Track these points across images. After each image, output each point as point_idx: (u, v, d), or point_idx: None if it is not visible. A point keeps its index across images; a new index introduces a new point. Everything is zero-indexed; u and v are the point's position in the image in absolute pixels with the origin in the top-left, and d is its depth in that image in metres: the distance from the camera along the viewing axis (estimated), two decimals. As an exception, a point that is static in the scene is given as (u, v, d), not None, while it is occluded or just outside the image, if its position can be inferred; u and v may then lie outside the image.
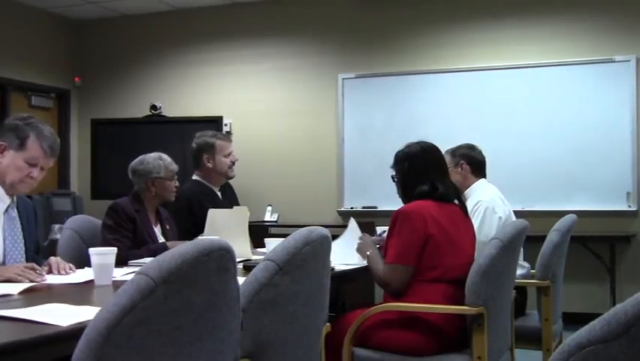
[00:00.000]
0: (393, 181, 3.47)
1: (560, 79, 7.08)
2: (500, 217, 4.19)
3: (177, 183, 4.19)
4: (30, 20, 8.45)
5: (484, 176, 4.48)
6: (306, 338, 2.45)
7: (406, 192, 3.39)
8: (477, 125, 7.14)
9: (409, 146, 3.44)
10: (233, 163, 4.83)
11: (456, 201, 3.42)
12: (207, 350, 1.76)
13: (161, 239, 4.06)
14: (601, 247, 6.75)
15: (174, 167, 4.16)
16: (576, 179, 6.93)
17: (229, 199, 4.83)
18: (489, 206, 4.20)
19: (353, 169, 7.72)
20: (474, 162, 4.43)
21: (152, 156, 4.14)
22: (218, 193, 4.80)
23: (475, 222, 4.08)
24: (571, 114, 7.00)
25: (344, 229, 3.79)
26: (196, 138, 4.88)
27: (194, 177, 4.81)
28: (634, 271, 6.81)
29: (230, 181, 5.16)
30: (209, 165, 4.75)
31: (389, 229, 3.27)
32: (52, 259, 3.16)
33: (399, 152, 3.45)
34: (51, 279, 2.93)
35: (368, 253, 3.44)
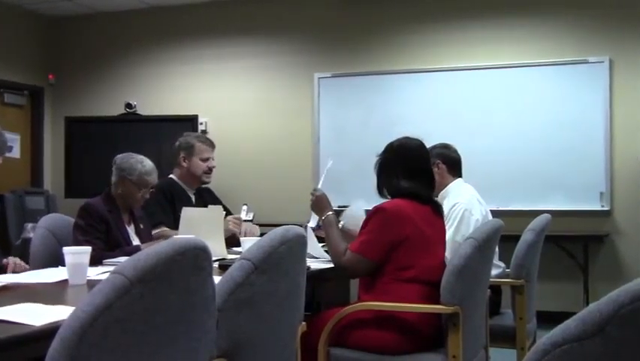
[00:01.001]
0: (376, 167, 3.45)
1: (535, 79, 7.14)
2: (477, 219, 4.19)
3: (147, 197, 4.08)
4: (3, 17, 8.37)
5: (460, 175, 4.48)
6: (282, 337, 2.45)
7: (384, 184, 3.39)
8: (453, 124, 7.17)
9: (398, 140, 3.43)
10: (210, 169, 4.75)
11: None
12: (183, 349, 1.75)
13: (135, 239, 4.02)
14: (574, 247, 6.81)
15: (151, 178, 4.00)
16: (550, 179, 6.99)
17: (206, 203, 4.70)
18: (467, 208, 4.20)
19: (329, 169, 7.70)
20: (450, 161, 4.43)
21: (136, 157, 4.04)
22: (192, 196, 4.74)
23: (453, 223, 4.09)
24: (545, 115, 7.05)
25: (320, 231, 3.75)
26: (180, 137, 4.85)
27: (171, 175, 4.75)
28: (607, 270, 6.87)
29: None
30: (184, 164, 4.70)
31: (364, 221, 3.28)
32: (11, 258, 3.15)
33: (392, 142, 3.43)
34: (24, 278, 2.91)
35: (324, 217, 3.45)
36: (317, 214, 3.63)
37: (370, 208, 3.27)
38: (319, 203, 3.60)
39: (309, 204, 3.74)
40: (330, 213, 3.50)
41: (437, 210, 3.43)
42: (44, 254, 3.72)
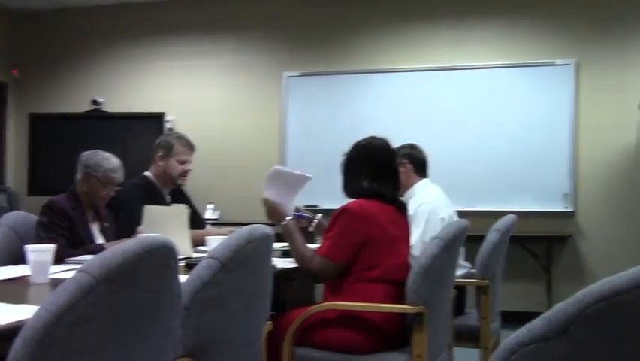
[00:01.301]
0: (341, 167, 3.46)
1: (502, 81, 7.20)
2: (443, 218, 4.23)
3: (113, 193, 4.05)
4: (-34, 11, 8.25)
5: (426, 175, 4.52)
6: (248, 336, 2.44)
7: (344, 183, 3.40)
8: (420, 125, 7.21)
9: (365, 139, 3.44)
10: (185, 173, 4.60)
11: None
12: (148, 348, 1.74)
13: (99, 237, 3.98)
14: (538, 247, 6.88)
15: (116, 176, 3.98)
16: (516, 180, 7.05)
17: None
18: (432, 208, 4.23)
19: (295, 167, 7.66)
20: (416, 162, 4.47)
21: (101, 154, 4.00)
22: (167, 197, 4.62)
23: (420, 223, 4.12)
24: (512, 116, 7.12)
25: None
26: (163, 134, 4.75)
27: (147, 173, 4.63)
28: (570, 270, 6.95)
29: None
30: (161, 163, 4.55)
31: (330, 222, 3.28)
32: None
33: (358, 142, 3.44)
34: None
35: (284, 223, 3.39)
36: (275, 223, 3.55)
37: (337, 208, 3.28)
38: (274, 211, 3.54)
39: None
40: (289, 218, 3.46)
41: (401, 209, 3.44)
42: (6, 252, 3.67)
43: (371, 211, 3.22)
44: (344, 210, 3.22)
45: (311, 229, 3.80)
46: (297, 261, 3.31)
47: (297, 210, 3.76)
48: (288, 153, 7.78)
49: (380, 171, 3.37)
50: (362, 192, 3.30)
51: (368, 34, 7.70)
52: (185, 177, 4.64)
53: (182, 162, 4.59)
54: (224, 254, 2.17)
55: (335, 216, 3.24)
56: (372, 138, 3.44)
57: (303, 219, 3.74)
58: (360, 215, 3.19)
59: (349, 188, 3.39)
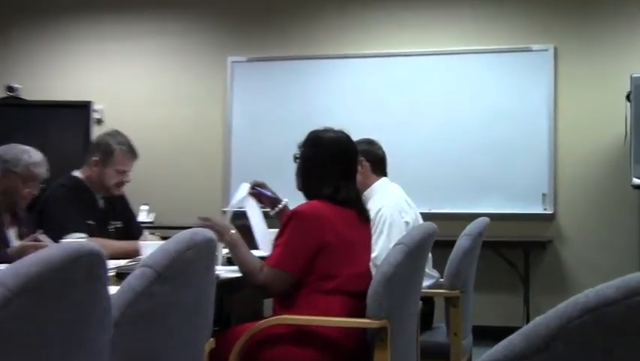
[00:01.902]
0: (295, 161, 3.45)
1: (473, 68, 7.24)
2: (407, 222, 4.25)
3: (36, 193, 3.99)
4: None
5: (385, 174, 4.52)
6: (188, 354, 2.43)
7: (305, 183, 3.40)
8: (381, 116, 7.22)
9: (327, 131, 3.43)
10: (122, 183, 4.49)
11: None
12: (73, 369, 1.72)
13: (17, 243, 3.93)
14: (514, 253, 6.93)
15: (39, 171, 3.93)
16: (488, 178, 7.09)
17: (116, 211, 4.56)
18: (394, 212, 4.23)
19: (241, 164, 7.69)
20: (374, 159, 4.46)
21: (20, 148, 3.95)
22: (99, 201, 4.49)
23: (383, 229, 4.13)
24: (484, 107, 7.16)
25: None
26: (104, 133, 4.62)
27: (76, 173, 4.47)
28: (550, 279, 7.01)
29: None
30: (95, 168, 4.39)
31: (280, 227, 3.27)
32: None
33: (313, 132, 3.45)
34: None
35: (228, 238, 3.33)
36: (219, 238, 3.51)
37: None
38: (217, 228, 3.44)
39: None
40: (233, 232, 3.41)
41: (362, 213, 3.45)
42: None
43: (326, 214, 3.22)
44: (295, 213, 3.22)
45: (272, 212, 3.81)
46: (244, 274, 3.29)
47: (262, 186, 3.77)
48: (232, 148, 7.74)
49: (350, 171, 3.38)
50: (329, 196, 3.29)
51: (324, 15, 7.70)
52: (121, 187, 4.54)
53: (121, 172, 4.47)
54: (161, 262, 2.14)
55: (285, 221, 3.24)
56: (332, 130, 3.44)
57: (265, 197, 3.76)
58: (313, 219, 3.19)
59: (313, 190, 3.37)
